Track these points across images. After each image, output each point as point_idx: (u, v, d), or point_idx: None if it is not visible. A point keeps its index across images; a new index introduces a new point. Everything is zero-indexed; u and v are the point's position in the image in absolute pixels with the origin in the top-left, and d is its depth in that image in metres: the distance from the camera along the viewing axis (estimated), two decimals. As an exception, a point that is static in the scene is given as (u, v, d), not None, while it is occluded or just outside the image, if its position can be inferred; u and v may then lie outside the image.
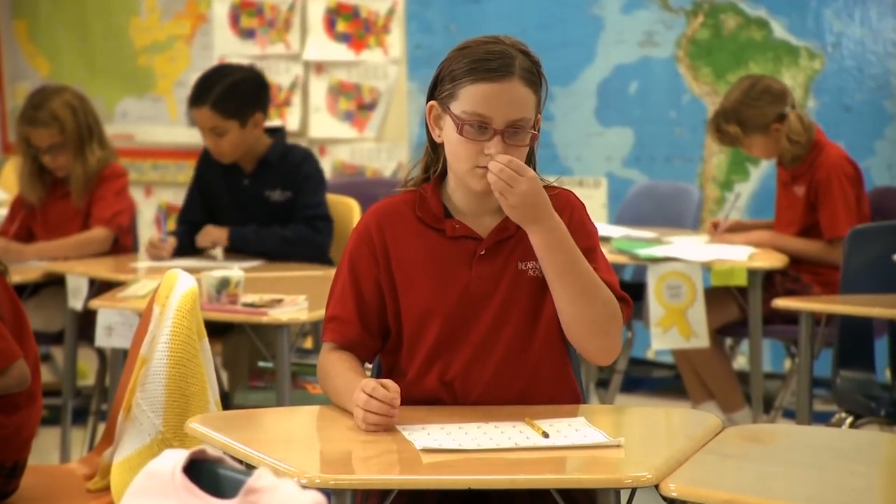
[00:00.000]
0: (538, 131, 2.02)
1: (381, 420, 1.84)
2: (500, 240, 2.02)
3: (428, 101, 2.02)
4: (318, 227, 3.84)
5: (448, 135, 1.99)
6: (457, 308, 2.00)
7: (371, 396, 1.84)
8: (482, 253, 2.01)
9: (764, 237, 4.09)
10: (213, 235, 3.84)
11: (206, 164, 3.94)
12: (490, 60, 1.95)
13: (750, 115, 4.02)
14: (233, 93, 3.76)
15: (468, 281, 2.01)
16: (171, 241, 3.84)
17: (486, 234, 2.03)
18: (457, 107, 1.96)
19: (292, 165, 3.87)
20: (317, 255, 3.82)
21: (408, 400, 1.94)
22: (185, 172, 6.11)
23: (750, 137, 4.04)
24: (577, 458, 1.79)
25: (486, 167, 1.95)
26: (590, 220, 2.08)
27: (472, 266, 2.01)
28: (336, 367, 2.01)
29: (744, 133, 4.03)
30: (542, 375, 2.01)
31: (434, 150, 2.05)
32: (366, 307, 2.03)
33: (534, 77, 1.98)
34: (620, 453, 1.79)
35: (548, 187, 2.04)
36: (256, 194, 3.88)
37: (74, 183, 4.03)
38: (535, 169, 2.06)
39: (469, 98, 1.95)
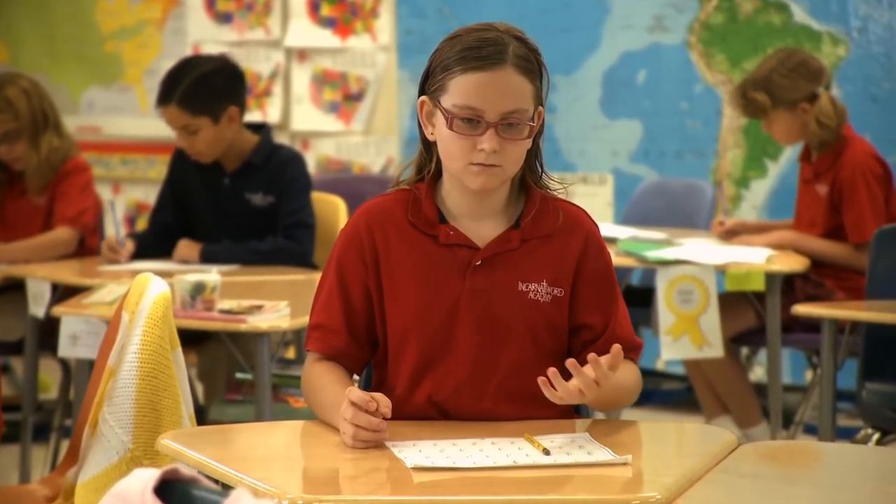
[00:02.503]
0: (541, 125, 2.01)
1: (370, 436, 1.84)
2: (499, 252, 2.01)
3: (419, 96, 2.02)
4: (296, 237, 3.84)
5: (440, 131, 1.99)
6: (444, 323, 1.98)
7: (358, 409, 1.84)
8: (478, 264, 2.00)
9: (786, 237, 4.09)
10: (184, 253, 3.84)
11: (182, 160, 3.94)
12: (481, 48, 1.94)
13: (781, 86, 4.03)
14: (201, 87, 3.75)
15: (459, 294, 1.99)
16: (129, 246, 3.83)
17: (483, 244, 2.02)
18: (447, 100, 1.96)
19: (277, 169, 3.87)
20: (298, 263, 3.82)
21: (397, 418, 1.94)
22: (157, 168, 6.11)
23: (776, 111, 4.05)
24: (581, 477, 1.79)
25: (481, 164, 1.95)
26: (606, 247, 2.08)
27: (466, 278, 1.99)
28: (322, 379, 2.01)
29: (772, 104, 4.04)
30: (540, 404, 2.00)
31: (427, 150, 2.05)
32: (354, 314, 2.02)
33: (530, 65, 1.97)
34: (628, 472, 1.79)
35: (557, 200, 2.04)
36: (236, 195, 3.88)
37: (30, 174, 4.04)
38: (541, 167, 2.06)
39: (459, 89, 1.94)
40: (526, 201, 2.05)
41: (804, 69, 4.05)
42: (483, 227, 2.02)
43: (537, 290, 2.00)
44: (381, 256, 2.01)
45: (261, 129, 3.96)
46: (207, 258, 3.80)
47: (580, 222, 2.05)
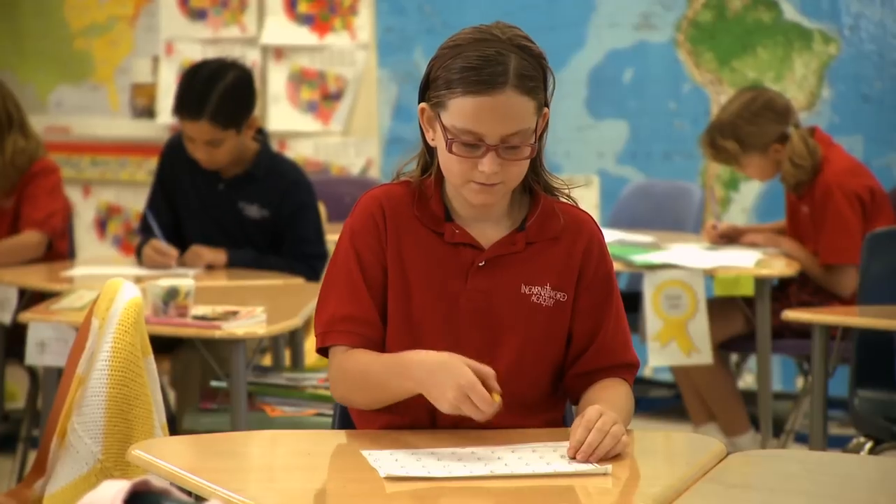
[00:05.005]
0: (545, 129, 2.01)
1: (477, 413, 1.84)
2: (503, 253, 2.02)
3: (420, 101, 2.02)
4: (316, 269, 3.84)
5: (439, 143, 2.00)
6: (443, 323, 1.99)
7: (475, 384, 1.82)
8: (481, 264, 2.01)
9: (794, 249, 4.08)
10: (208, 258, 3.80)
11: (173, 159, 3.92)
12: (481, 68, 1.92)
13: (749, 132, 4.04)
14: (230, 100, 3.74)
15: (460, 293, 2.00)
16: (174, 250, 3.80)
17: (488, 245, 2.02)
18: (447, 118, 1.96)
19: (278, 184, 3.85)
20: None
21: (391, 422, 1.95)
22: (128, 170, 6.10)
23: (748, 156, 4.07)
24: (563, 487, 1.79)
25: (482, 183, 1.95)
26: (608, 255, 2.08)
27: (468, 278, 2.00)
28: (366, 356, 1.97)
29: (742, 151, 4.05)
30: (529, 413, 2.01)
31: (430, 151, 2.05)
32: (378, 302, 2.01)
33: (533, 81, 1.96)
34: (612, 482, 1.79)
35: (562, 203, 2.05)
36: (230, 203, 3.87)
37: None
38: (543, 171, 2.06)
39: (458, 112, 1.94)
40: (531, 204, 2.06)
41: (770, 111, 4.06)
42: (488, 229, 2.04)
43: (540, 294, 2.01)
44: (390, 244, 2.01)
45: (258, 134, 3.94)
46: (236, 264, 3.80)
47: (585, 226, 2.06)
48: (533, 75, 1.96)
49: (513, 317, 2.01)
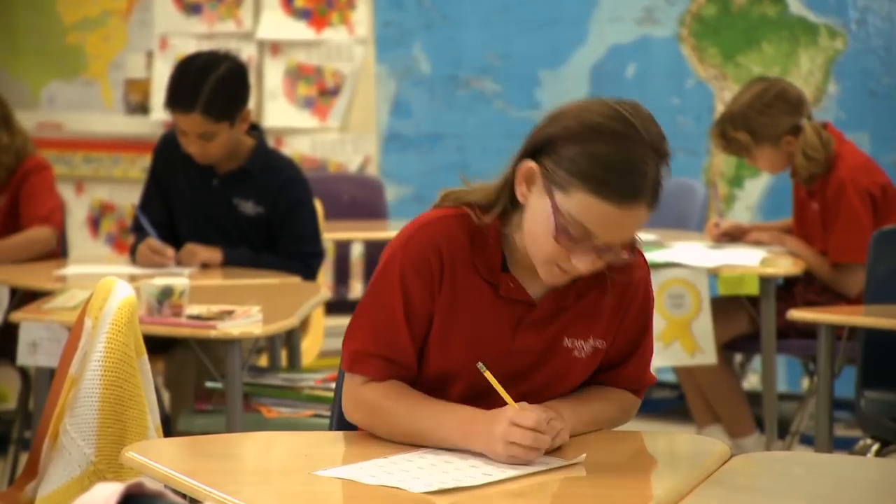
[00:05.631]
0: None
1: (534, 457, 1.83)
2: (554, 309, 1.97)
3: (528, 156, 1.90)
4: (312, 268, 3.84)
5: (536, 211, 1.89)
6: (479, 375, 1.92)
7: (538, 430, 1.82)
8: (532, 322, 1.96)
9: (800, 248, 4.08)
10: (203, 256, 3.81)
11: (166, 155, 3.92)
12: (623, 176, 1.83)
13: (761, 123, 4.03)
14: (223, 92, 3.74)
15: (508, 351, 1.96)
16: (170, 249, 3.80)
17: (538, 295, 1.97)
18: (564, 202, 1.86)
19: (274, 181, 3.85)
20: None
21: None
22: (122, 167, 6.10)
23: (759, 148, 4.06)
24: (562, 491, 1.79)
25: (565, 270, 1.90)
26: (652, 290, 2.07)
27: (515, 335, 1.96)
28: (409, 396, 1.94)
29: (754, 142, 4.04)
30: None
31: (508, 196, 1.94)
32: (417, 346, 1.96)
33: (660, 189, 1.89)
34: (612, 485, 1.79)
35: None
36: (224, 199, 3.87)
37: None
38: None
39: (582, 209, 1.85)
40: None
41: (783, 102, 4.04)
42: (540, 280, 1.96)
43: (582, 348, 1.99)
44: (443, 293, 1.94)
45: (253, 130, 3.94)
46: (232, 263, 3.80)
47: (636, 271, 2.03)
48: (661, 185, 1.89)
49: (549, 370, 1.99)
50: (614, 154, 1.85)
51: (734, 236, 4.30)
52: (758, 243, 4.23)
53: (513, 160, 1.94)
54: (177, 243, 3.88)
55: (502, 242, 1.97)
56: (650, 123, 1.90)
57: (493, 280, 1.96)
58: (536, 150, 1.91)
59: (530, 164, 1.90)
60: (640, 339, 2.06)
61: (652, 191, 1.86)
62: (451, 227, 1.95)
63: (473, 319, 1.95)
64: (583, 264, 1.88)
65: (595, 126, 1.87)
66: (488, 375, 1.89)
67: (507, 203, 1.95)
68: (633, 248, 1.95)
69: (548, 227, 1.88)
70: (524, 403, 1.89)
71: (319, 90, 5.92)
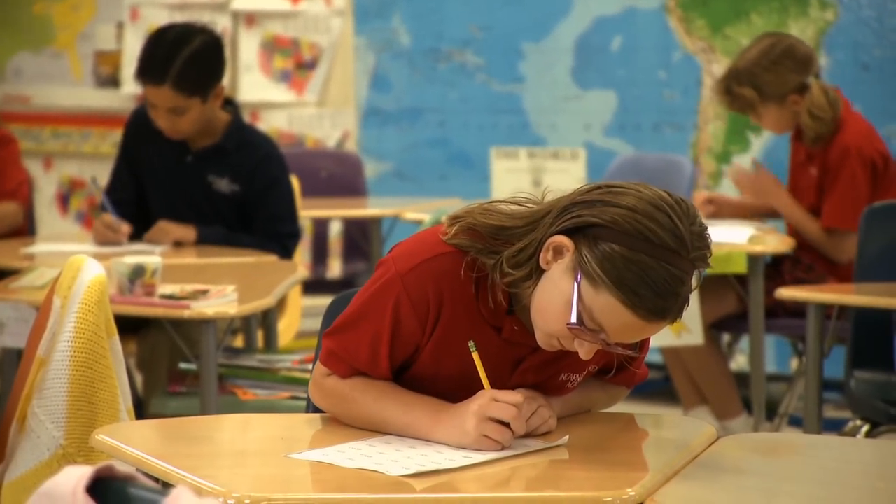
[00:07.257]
0: None
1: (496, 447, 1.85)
2: (558, 353, 1.94)
3: (559, 231, 1.85)
4: (289, 248, 3.84)
5: (555, 287, 1.85)
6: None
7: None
8: (532, 364, 1.96)
9: (789, 205, 4.08)
10: (176, 234, 3.80)
11: (138, 130, 3.91)
12: (657, 296, 1.80)
13: (767, 80, 4.03)
14: (195, 66, 3.72)
15: (503, 387, 1.92)
16: (125, 226, 3.79)
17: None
18: (588, 295, 1.82)
19: (249, 157, 3.84)
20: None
21: None
22: (91, 142, 6.07)
23: (765, 106, 4.05)
24: (551, 473, 1.79)
25: (564, 346, 1.88)
26: None
27: (512, 376, 1.95)
28: (368, 380, 1.94)
29: (760, 99, 4.04)
30: None
31: (528, 253, 1.88)
32: (395, 365, 1.95)
33: (687, 303, 1.86)
34: (599, 467, 1.80)
35: None
36: (198, 176, 3.86)
37: None
38: None
39: (607, 311, 1.82)
40: None
41: (790, 60, 4.04)
42: None
43: (577, 379, 2.00)
44: (437, 332, 1.93)
45: (228, 105, 3.92)
46: (205, 241, 3.79)
47: None
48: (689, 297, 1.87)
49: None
50: (656, 271, 1.80)
51: (719, 207, 4.30)
52: (744, 205, 4.25)
53: (545, 225, 1.87)
54: (148, 221, 3.87)
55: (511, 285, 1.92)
56: (699, 239, 1.83)
57: (496, 324, 1.94)
58: (565, 226, 1.86)
59: (559, 239, 1.85)
60: (637, 350, 2.01)
61: (679, 308, 1.84)
62: (458, 268, 1.91)
63: (470, 360, 1.91)
64: (585, 352, 1.87)
65: (645, 234, 1.81)
66: (475, 357, 1.89)
67: (530, 270, 1.88)
68: (641, 345, 1.94)
69: (563, 310, 1.84)
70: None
71: (296, 63, 5.90)
